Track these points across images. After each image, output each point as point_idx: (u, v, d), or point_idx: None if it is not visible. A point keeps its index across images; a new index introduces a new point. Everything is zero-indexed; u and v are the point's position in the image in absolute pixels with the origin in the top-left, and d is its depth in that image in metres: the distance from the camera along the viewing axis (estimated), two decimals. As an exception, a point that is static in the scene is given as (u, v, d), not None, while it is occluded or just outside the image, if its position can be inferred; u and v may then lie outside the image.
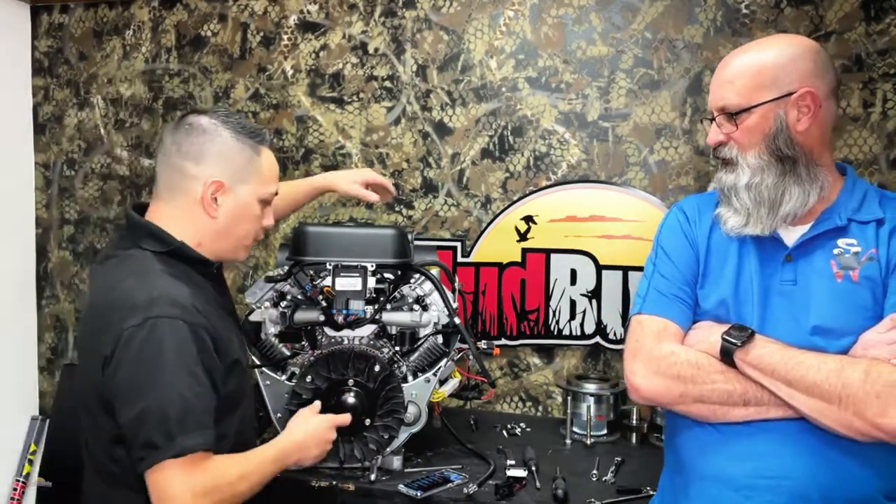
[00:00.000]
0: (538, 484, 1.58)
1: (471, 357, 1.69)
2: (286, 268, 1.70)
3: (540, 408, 2.22)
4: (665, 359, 1.18)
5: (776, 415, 1.12)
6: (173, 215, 1.25)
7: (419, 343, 1.69)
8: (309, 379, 1.57)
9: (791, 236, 1.20)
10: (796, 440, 1.11)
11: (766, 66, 1.16)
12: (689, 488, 1.20)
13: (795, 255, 1.18)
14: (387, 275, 1.69)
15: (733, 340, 1.13)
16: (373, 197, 1.81)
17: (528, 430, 2.01)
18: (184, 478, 1.08)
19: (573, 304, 2.15)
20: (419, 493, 1.48)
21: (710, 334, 1.18)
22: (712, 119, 1.22)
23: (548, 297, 2.16)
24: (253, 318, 1.69)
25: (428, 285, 1.72)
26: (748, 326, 1.15)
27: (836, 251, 1.16)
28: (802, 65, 1.15)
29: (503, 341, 2.19)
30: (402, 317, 1.68)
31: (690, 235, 1.29)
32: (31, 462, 2.49)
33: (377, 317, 1.65)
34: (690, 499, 1.20)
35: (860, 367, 1.05)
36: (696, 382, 1.15)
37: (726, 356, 1.14)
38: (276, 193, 1.35)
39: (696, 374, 1.16)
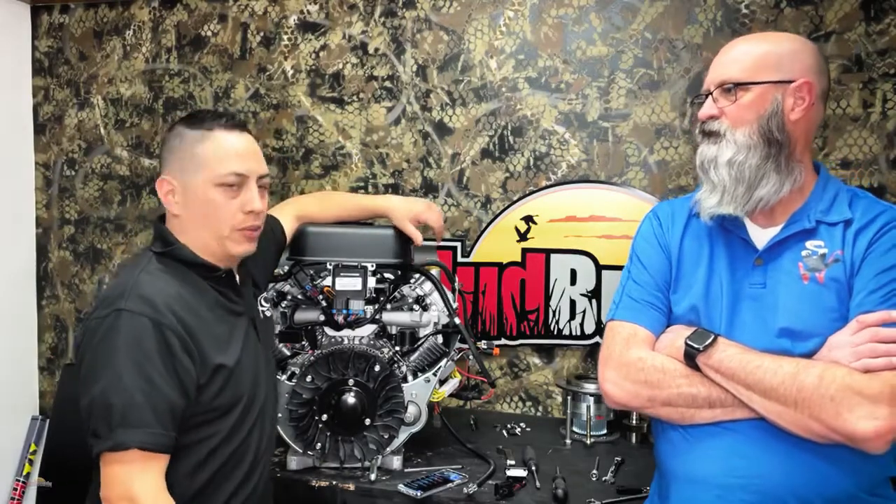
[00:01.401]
0: (538, 484, 1.58)
1: (471, 357, 1.69)
2: (286, 268, 1.70)
3: (540, 408, 2.23)
4: (633, 364, 1.21)
5: (742, 415, 1.14)
6: (168, 224, 1.30)
7: (419, 343, 1.69)
8: (309, 379, 1.57)
9: (761, 239, 1.22)
10: (763, 439, 1.13)
11: (772, 50, 1.18)
12: (670, 489, 1.23)
13: (765, 258, 1.20)
14: (387, 275, 1.69)
15: (695, 345, 1.15)
16: (418, 238, 1.71)
17: (528, 430, 2.01)
18: (121, 473, 1.09)
19: (573, 304, 2.15)
20: (419, 493, 1.48)
21: (676, 339, 1.21)
22: (707, 95, 1.23)
23: (548, 297, 2.16)
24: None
25: (428, 285, 1.72)
26: (712, 331, 1.17)
27: (804, 253, 1.18)
28: (805, 57, 1.18)
29: (503, 341, 2.19)
30: (402, 317, 1.68)
31: (663, 241, 1.31)
32: (31, 462, 2.49)
33: (377, 317, 1.66)
34: (671, 500, 1.22)
35: (815, 371, 1.07)
36: (662, 387, 1.18)
37: (690, 360, 1.17)
38: (242, 173, 1.24)
39: (662, 378, 1.18)
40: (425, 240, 1.75)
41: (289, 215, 1.66)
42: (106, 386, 1.09)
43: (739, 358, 1.12)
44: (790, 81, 1.16)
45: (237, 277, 1.36)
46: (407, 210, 1.72)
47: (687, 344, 1.16)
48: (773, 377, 1.08)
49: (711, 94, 1.22)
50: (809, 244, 1.18)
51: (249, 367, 1.30)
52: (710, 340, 1.15)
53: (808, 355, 1.12)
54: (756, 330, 1.17)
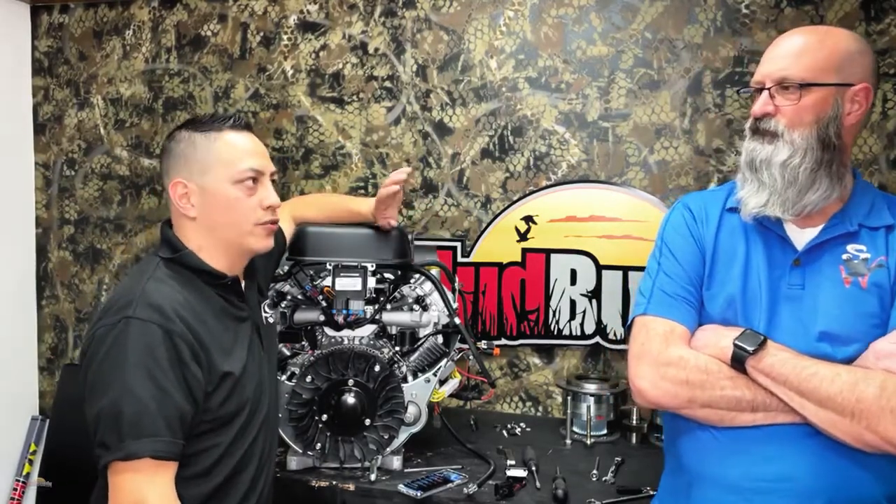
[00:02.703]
0: (538, 484, 1.57)
1: (471, 357, 1.69)
2: (286, 268, 1.69)
3: (540, 408, 2.22)
4: (673, 363, 1.16)
5: (784, 420, 1.11)
6: (177, 229, 1.30)
7: (419, 343, 1.69)
8: (309, 379, 1.57)
9: (800, 239, 1.19)
10: (800, 444, 1.10)
11: (837, 50, 1.14)
12: (691, 491, 1.20)
13: (804, 259, 1.17)
14: (387, 275, 1.69)
15: (746, 347, 1.11)
16: (391, 220, 1.68)
17: (528, 430, 2.01)
18: (131, 482, 1.08)
19: (573, 304, 2.15)
20: (419, 493, 1.48)
21: (720, 339, 1.16)
22: (760, 90, 1.18)
23: (548, 297, 2.16)
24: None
25: (428, 285, 1.72)
26: (760, 333, 1.13)
27: (845, 256, 1.15)
28: (866, 61, 1.15)
29: (503, 341, 2.19)
30: (402, 317, 1.68)
31: (697, 234, 1.26)
32: (31, 462, 2.49)
33: (377, 317, 1.65)
34: (691, 501, 1.19)
35: (875, 382, 1.04)
36: (704, 388, 1.13)
37: (737, 363, 1.12)
38: (259, 169, 1.27)
39: (705, 379, 1.13)
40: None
41: (287, 218, 1.66)
42: (116, 395, 1.08)
43: (793, 363, 1.09)
44: (850, 85, 1.13)
45: (242, 283, 1.36)
46: (369, 205, 1.70)
47: (736, 345, 1.12)
48: (830, 385, 1.05)
49: (768, 89, 1.16)
50: (851, 248, 1.15)
51: (254, 374, 1.30)
52: (759, 343, 1.10)
53: (849, 361, 1.10)
54: (795, 332, 1.14)
